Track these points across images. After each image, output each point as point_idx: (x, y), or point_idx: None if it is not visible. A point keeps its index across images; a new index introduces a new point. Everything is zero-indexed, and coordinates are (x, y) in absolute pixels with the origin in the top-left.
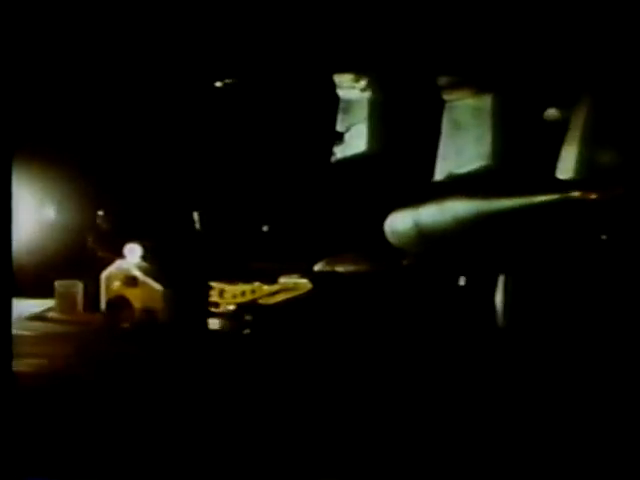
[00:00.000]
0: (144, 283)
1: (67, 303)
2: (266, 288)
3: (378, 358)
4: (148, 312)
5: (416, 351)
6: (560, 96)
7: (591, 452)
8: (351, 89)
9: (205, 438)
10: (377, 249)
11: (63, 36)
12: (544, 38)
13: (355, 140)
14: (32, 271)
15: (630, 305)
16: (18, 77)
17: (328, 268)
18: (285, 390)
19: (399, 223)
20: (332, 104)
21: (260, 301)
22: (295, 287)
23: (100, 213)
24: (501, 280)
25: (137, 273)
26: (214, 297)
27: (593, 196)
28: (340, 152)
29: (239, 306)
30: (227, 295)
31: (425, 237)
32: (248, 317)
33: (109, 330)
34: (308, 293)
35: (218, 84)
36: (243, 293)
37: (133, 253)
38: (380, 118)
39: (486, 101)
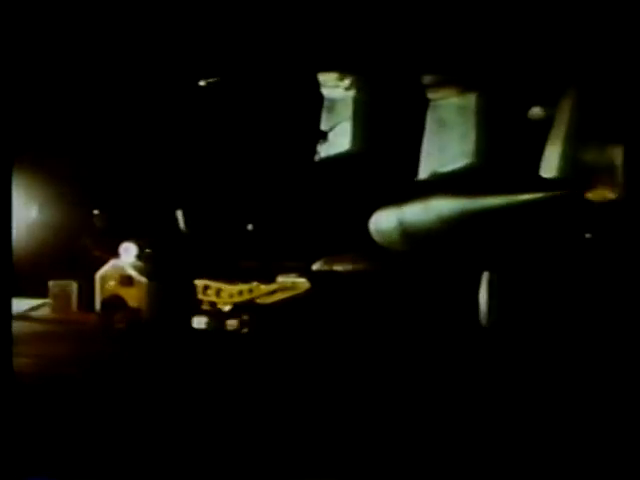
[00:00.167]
0: (139, 282)
1: (61, 303)
2: (264, 287)
3: (376, 357)
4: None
5: (413, 350)
6: (544, 95)
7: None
8: (335, 88)
9: (204, 438)
10: (372, 248)
11: (48, 33)
12: (528, 37)
13: (339, 139)
14: (26, 271)
15: (615, 302)
16: (17, 78)
17: (326, 267)
18: (284, 390)
19: (383, 222)
20: (316, 103)
21: (258, 300)
22: (293, 286)
23: (95, 212)
24: (485, 278)
25: (132, 272)
26: (211, 296)
27: (576, 194)
28: (324, 151)
29: (236, 305)
30: (224, 294)
31: (409, 235)
32: (246, 316)
33: (103, 330)
34: (306, 292)
35: (202, 83)
36: (240, 292)
37: (128, 252)
38: (364, 117)
39: (470, 100)
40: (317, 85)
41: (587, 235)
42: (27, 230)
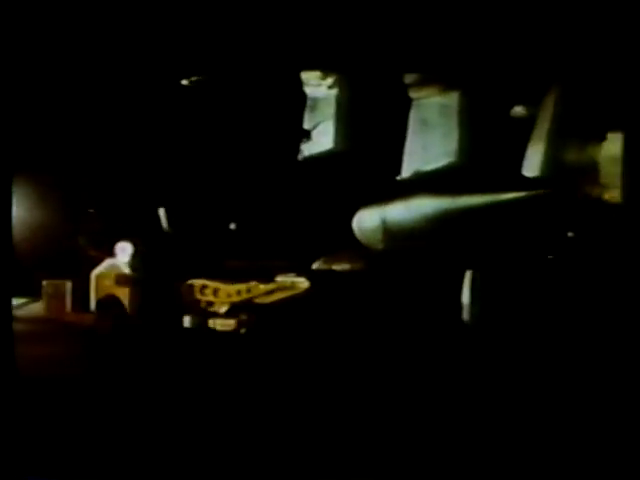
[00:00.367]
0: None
1: (55, 303)
2: (262, 287)
3: (377, 358)
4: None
5: (414, 351)
6: (527, 94)
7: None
8: (318, 87)
9: (204, 439)
10: (356, 247)
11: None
12: (510, 36)
13: (322, 137)
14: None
15: (598, 301)
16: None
17: (326, 266)
18: (284, 391)
19: (366, 221)
20: (299, 102)
21: (256, 300)
22: (292, 286)
23: (90, 211)
24: (468, 276)
25: (128, 272)
26: (208, 296)
27: (559, 193)
28: (307, 150)
29: (234, 305)
30: (221, 294)
31: (392, 234)
32: (244, 316)
33: (99, 330)
34: (306, 292)
35: (185, 82)
36: (238, 292)
37: (124, 252)
38: (347, 115)
39: (453, 98)
40: (300, 84)
41: (570, 234)
42: (20, 229)
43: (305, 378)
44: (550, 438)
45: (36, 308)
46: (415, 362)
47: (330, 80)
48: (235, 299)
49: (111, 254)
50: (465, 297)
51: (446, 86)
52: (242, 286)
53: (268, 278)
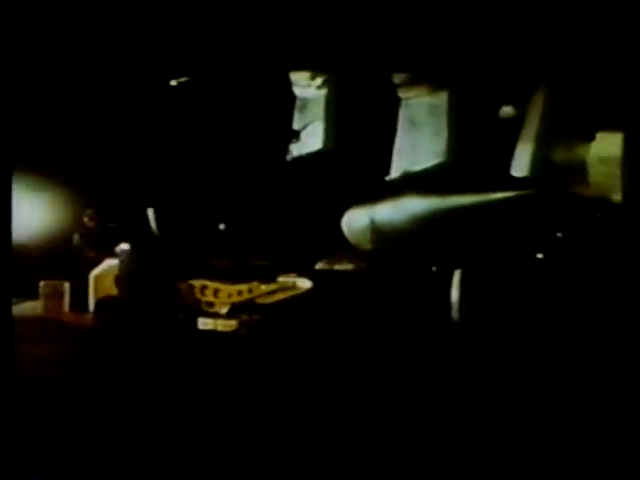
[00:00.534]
0: None
1: (53, 303)
2: (264, 287)
3: (379, 358)
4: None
5: (414, 351)
6: (515, 94)
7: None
8: (307, 87)
9: (205, 439)
10: (346, 247)
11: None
12: (499, 36)
13: (311, 138)
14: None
15: (587, 300)
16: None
17: (329, 267)
18: (286, 391)
19: (355, 221)
20: (288, 102)
21: (257, 301)
22: (294, 286)
23: (88, 211)
24: (457, 276)
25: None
26: (209, 297)
27: (547, 193)
28: (296, 150)
29: (235, 306)
30: (222, 294)
31: (381, 234)
32: (245, 317)
33: (98, 330)
34: (308, 292)
35: (173, 83)
36: (240, 292)
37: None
38: (336, 116)
39: (442, 98)
40: (289, 84)
41: (558, 234)
42: (17, 229)
43: (307, 379)
44: (541, 436)
45: (28, 307)
46: (415, 362)
47: (319, 80)
48: (236, 299)
49: (109, 254)
50: (454, 297)
51: (435, 86)
52: (243, 286)
53: (269, 278)
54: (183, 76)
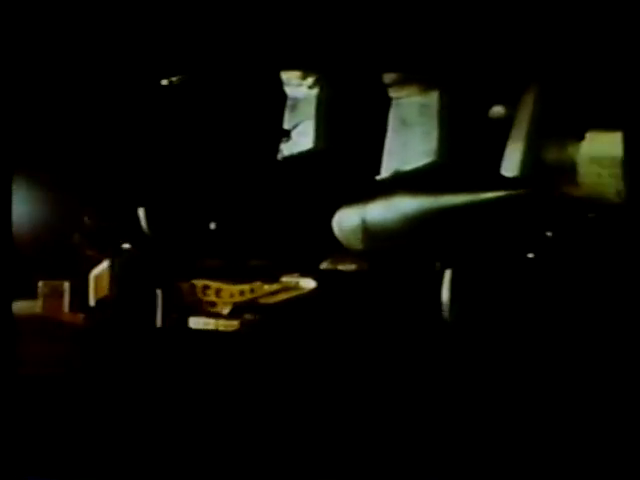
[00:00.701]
0: None
1: (52, 303)
2: (267, 287)
3: (381, 359)
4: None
5: (415, 351)
6: (505, 93)
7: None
8: (299, 86)
9: (206, 439)
10: (336, 247)
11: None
12: (489, 35)
13: (302, 137)
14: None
15: (577, 300)
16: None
17: (333, 266)
18: (289, 392)
19: (346, 220)
20: (279, 102)
21: (260, 300)
22: (297, 286)
23: (87, 210)
24: (447, 275)
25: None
26: (210, 296)
27: (538, 193)
28: (287, 149)
29: (237, 306)
30: (224, 294)
31: (372, 234)
32: (247, 317)
33: (97, 330)
34: (312, 292)
35: (164, 82)
36: (242, 292)
37: None
38: (327, 115)
39: (432, 98)
40: (280, 84)
41: (548, 233)
42: (15, 228)
43: (310, 379)
44: (532, 435)
45: (25, 307)
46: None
47: (310, 80)
48: (238, 299)
49: (109, 254)
50: (445, 296)
51: (426, 86)
52: (245, 286)
53: (272, 278)
54: (174, 75)
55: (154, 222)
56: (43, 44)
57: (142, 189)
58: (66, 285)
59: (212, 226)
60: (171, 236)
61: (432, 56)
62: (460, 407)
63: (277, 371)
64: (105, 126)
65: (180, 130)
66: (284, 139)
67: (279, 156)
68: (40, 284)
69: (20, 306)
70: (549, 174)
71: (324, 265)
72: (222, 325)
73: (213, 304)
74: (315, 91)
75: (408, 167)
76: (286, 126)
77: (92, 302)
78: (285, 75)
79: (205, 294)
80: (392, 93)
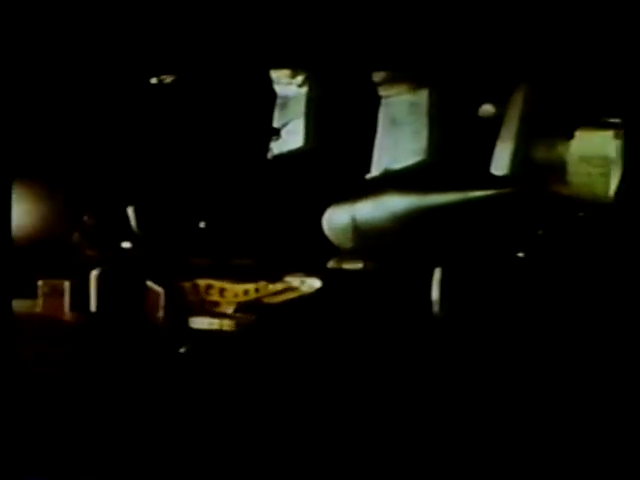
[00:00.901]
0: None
1: (52, 303)
2: (271, 287)
3: (385, 359)
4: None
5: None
6: (495, 92)
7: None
8: (288, 85)
9: (207, 440)
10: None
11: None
12: (479, 33)
13: (292, 136)
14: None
15: (567, 298)
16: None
17: (339, 265)
18: (293, 392)
19: (336, 219)
20: (269, 100)
21: (264, 300)
22: (302, 286)
23: (87, 209)
24: (437, 274)
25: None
26: (214, 296)
27: (527, 191)
28: (277, 148)
29: (241, 305)
30: (228, 294)
31: (362, 233)
32: (252, 317)
33: (98, 331)
34: (317, 292)
35: (154, 80)
36: (246, 292)
37: None
38: (317, 114)
39: (422, 96)
40: (270, 82)
41: (539, 232)
42: (14, 228)
43: (314, 379)
44: (523, 435)
45: (25, 306)
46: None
47: (300, 78)
48: (242, 299)
49: (110, 254)
50: (435, 295)
51: (416, 84)
52: (250, 286)
53: (277, 278)
54: (163, 74)
55: (143, 221)
56: (43, 44)
57: (132, 188)
58: (66, 284)
59: (201, 225)
60: (160, 235)
61: (422, 54)
62: (458, 407)
63: (281, 371)
64: (98, 125)
65: (169, 128)
66: (274, 138)
67: (269, 155)
68: (40, 283)
69: (20, 305)
70: (539, 173)
71: (330, 264)
72: (227, 325)
73: (217, 304)
74: (305, 89)
75: (398, 165)
76: (276, 124)
77: (93, 302)
78: (275, 73)
79: (208, 294)
80: (382, 91)
